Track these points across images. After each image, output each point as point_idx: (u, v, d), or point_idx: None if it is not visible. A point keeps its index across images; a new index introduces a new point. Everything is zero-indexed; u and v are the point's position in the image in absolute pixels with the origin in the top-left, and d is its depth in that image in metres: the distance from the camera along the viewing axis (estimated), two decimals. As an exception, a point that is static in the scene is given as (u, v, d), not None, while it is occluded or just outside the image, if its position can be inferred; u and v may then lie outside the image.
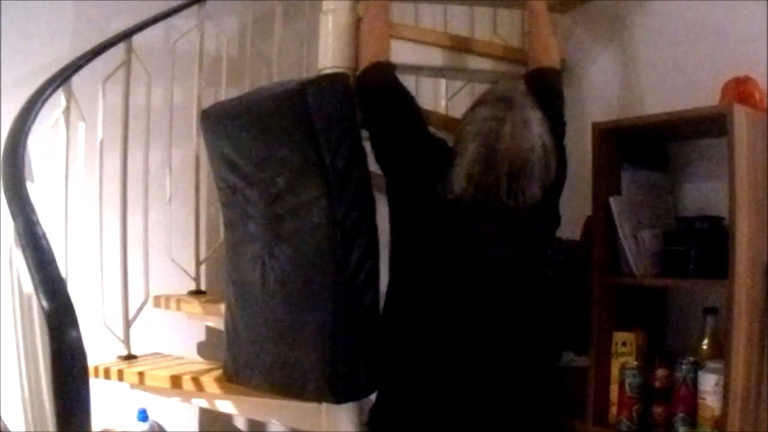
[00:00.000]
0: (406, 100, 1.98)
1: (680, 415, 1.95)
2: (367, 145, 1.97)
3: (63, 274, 1.65)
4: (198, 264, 2.77)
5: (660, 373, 2.01)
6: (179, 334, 2.86)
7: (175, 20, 2.73)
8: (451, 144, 1.92)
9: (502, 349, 1.94)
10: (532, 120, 1.81)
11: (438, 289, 1.91)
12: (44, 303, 1.42)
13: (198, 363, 2.65)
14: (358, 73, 2.00)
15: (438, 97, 2.97)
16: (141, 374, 2.41)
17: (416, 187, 1.91)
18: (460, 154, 1.83)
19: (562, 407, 2.22)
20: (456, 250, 1.88)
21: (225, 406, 2.39)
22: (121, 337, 2.54)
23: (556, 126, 1.94)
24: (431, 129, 2.06)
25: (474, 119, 1.84)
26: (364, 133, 1.98)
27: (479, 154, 1.79)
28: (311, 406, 2.02)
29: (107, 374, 2.43)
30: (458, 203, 1.84)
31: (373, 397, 1.97)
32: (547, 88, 2.06)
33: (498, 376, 1.94)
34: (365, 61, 1.99)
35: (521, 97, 1.84)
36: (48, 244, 1.56)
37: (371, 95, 1.96)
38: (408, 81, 2.11)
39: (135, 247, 2.58)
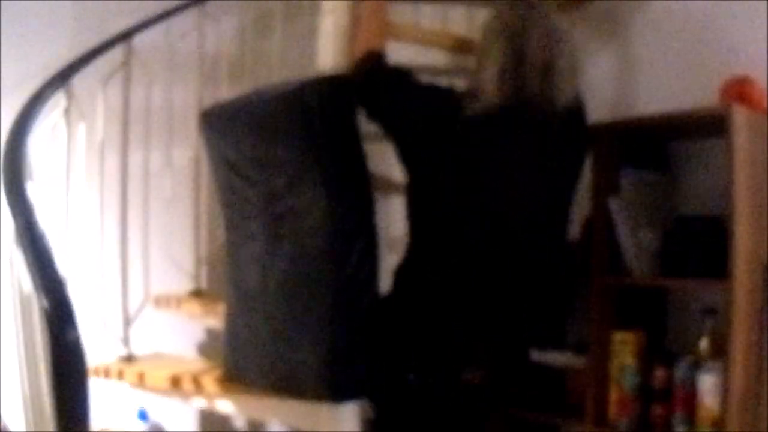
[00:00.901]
0: (399, 75, 1.96)
1: (679, 415, 1.95)
2: (367, 145, 1.97)
3: (63, 274, 1.65)
4: (198, 264, 2.77)
5: (659, 373, 2.01)
6: (179, 334, 2.86)
7: (175, 20, 2.72)
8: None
9: (503, 347, 1.95)
10: (554, 18, 1.85)
11: (459, 243, 1.88)
12: (44, 303, 1.42)
13: (198, 363, 2.65)
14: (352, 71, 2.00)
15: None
16: (141, 374, 2.41)
17: (431, 132, 1.88)
18: (487, 55, 1.83)
19: (562, 407, 2.22)
20: (479, 188, 1.86)
21: (225, 406, 2.39)
22: (121, 337, 2.54)
23: None
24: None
25: (493, 26, 1.87)
26: (368, 131, 1.99)
27: (509, 49, 1.80)
28: (311, 406, 2.02)
29: (107, 374, 2.43)
30: (485, 122, 1.81)
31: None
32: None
33: (499, 372, 1.95)
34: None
35: (538, 1, 1.88)
36: (48, 244, 1.56)
37: (365, 86, 1.95)
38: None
39: (135, 247, 2.58)
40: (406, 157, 1.94)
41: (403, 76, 1.96)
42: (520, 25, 1.81)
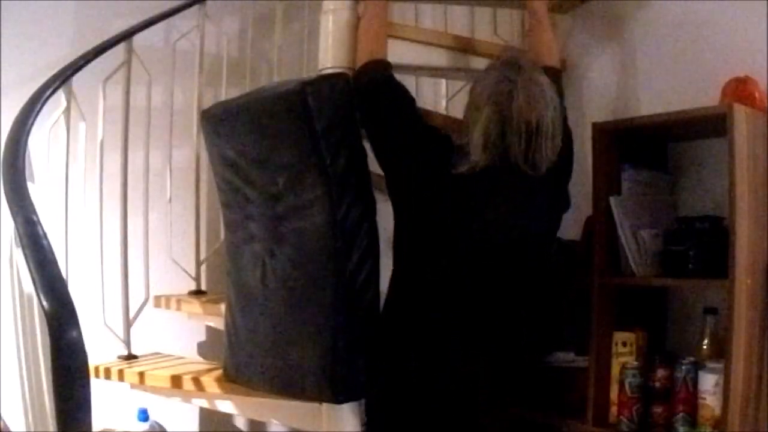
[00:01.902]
0: (401, 95, 1.97)
1: (680, 415, 1.95)
2: (368, 145, 1.97)
3: (63, 274, 1.64)
4: (198, 264, 2.77)
5: (660, 373, 2.01)
6: (179, 334, 2.86)
7: (175, 20, 2.72)
8: (455, 134, 1.94)
9: (502, 348, 1.94)
10: (542, 82, 1.85)
11: (445, 279, 1.90)
12: (44, 303, 1.42)
13: (198, 363, 2.65)
14: (354, 72, 1.99)
15: (438, 97, 2.97)
16: (141, 374, 2.41)
17: (419, 174, 1.90)
18: (474, 120, 1.84)
19: (562, 407, 2.22)
20: (465, 234, 1.87)
21: (225, 406, 2.39)
22: (122, 337, 2.54)
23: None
24: (433, 125, 2.05)
25: (484, 85, 1.86)
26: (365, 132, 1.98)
27: (494, 116, 1.81)
28: (311, 406, 2.02)
29: (107, 374, 2.43)
30: (471, 176, 1.83)
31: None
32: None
33: (498, 377, 1.95)
34: (361, 60, 1.98)
35: (527, 62, 1.89)
36: (48, 244, 1.56)
37: (367, 93, 1.95)
38: (408, 81, 2.11)
39: (135, 247, 2.58)
40: (390, 177, 1.96)
41: (407, 100, 1.97)
42: (506, 90, 1.81)
